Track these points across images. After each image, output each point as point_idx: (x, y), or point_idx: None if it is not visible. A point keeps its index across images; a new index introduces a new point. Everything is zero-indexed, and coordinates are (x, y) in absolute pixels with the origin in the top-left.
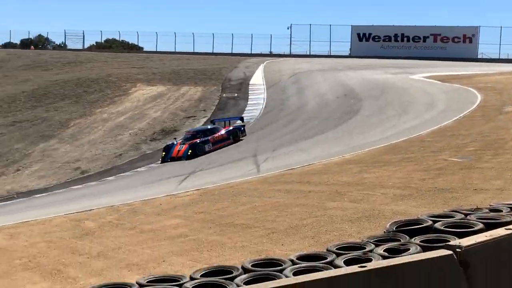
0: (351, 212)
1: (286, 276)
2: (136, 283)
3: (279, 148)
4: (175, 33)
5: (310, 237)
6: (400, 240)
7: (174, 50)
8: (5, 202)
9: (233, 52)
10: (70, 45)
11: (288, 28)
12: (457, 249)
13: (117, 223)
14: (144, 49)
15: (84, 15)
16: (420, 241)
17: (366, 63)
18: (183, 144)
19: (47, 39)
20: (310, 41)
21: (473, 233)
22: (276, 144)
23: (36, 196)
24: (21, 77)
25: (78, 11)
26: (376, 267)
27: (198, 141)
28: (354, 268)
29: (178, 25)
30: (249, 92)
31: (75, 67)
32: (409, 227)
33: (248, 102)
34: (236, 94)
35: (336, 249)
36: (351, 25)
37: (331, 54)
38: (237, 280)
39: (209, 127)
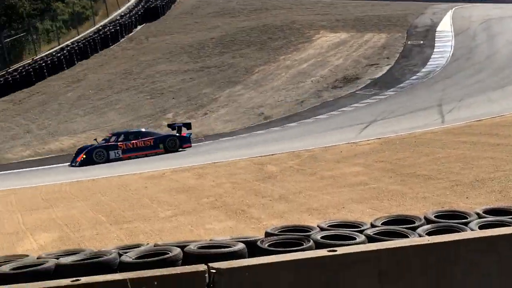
0: None
1: (471, 229)
2: (318, 226)
3: (466, 98)
4: None
5: (497, 191)
6: None
7: None
8: (194, 144)
9: None
10: None
11: None
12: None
13: (298, 168)
14: None
15: None
16: None
17: None
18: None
19: None
20: None
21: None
22: (462, 93)
23: (222, 139)
24: (210, 24)
25: None
26: None
27: (96, 146)
28: None
29: None
30: (436, 39)
31: (261, 14)
32: None
33: (434, 50)
34: (421, 41)
35: None
36: None
37: None
38: (419, 230)
39: (134, 130)
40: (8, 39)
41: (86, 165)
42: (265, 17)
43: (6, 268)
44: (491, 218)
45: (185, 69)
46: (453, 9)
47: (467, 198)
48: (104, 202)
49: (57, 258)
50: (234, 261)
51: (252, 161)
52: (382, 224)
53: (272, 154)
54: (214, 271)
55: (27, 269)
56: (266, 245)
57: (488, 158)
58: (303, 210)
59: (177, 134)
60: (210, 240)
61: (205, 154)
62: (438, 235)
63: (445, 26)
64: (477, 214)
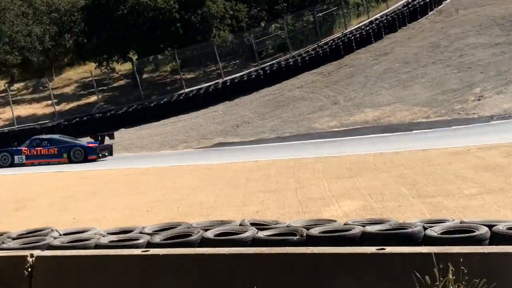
0: None
1: None
2: None
3: None
4: None
5: None
6: None
7: None
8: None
9: None
10: None
11: None
12: None
13: None
14: None
15: None
16: None
17: None
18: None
19: None
20: None
21: None
22: None
23: None
24: None
25: None
26: None
27: (1, 150)
28: None
29: None
30: None
31: None
32: None
33: None
34: None
35: None
36: None
37: None
38: None
39: (49, 136)
40: (320, 14)
41: None
42: None
43: (315, 232)
44: None
45: (496, 42)
46: None
47: None
48: (407, 175)
49: (363, 226)
50: None
51: None
52: None
53: None
54: None
55: (335, 234)
56: None
57: None
58: None
59: (86, 145)
60: None
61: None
62: None
63: None
64: None
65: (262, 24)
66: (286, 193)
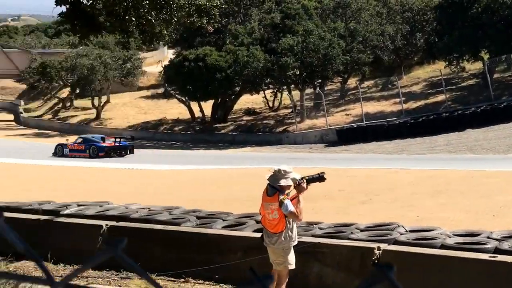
0: None
1: None
2: None
3: None
4: None
5: None
6: None
7: None
8: None
9: None
10: None
11: None
12: None
13: None
14: None
15: None
16: None
17: None
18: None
19: None
20: None
21: None
22: None
23: None
24: None
25: None
26: None
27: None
28: None
29: None
30: None
31: None
32: None
33: None
34: None
35: None
36: None
37: None
38: None
39: (84, 136)
40: None
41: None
42: None
43: None
44: None
45: None
46: None
47: None
48: None
49: None
50: None
51: None
52: None
53: None
54: None
55: None
56: None
57: None
58: None
59: (99, 144)
60: None
61: None
62: None
63: None
64: None
65: None
66: None
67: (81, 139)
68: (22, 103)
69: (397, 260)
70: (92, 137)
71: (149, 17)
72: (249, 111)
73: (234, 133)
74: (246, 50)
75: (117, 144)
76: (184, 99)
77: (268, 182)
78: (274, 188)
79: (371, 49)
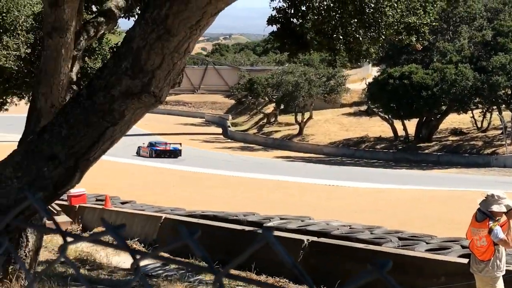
0: None
1: None
2: None
3: None
4: None
5: None
6: None
7: None
8: None
9: None
10: None
11: None
12: None
13: None
14: None
15: None
16: None
17: None
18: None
19: None
20: None
21: None
22: None
23: None
24: None
25: None
26: None
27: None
28: None
29: None
30: None
31: None
32: None
33: None
34: None
35: None
36: None
37: None
38: None
39: (150, 141)
40: None
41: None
42: None
43: None
44: None
45: None
46: None
47: None
48: None
49: None
50: None
51: None
52: None
53: None
54: None
55: None
56: None
57: None
58: None
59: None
60: None
61: None
62: None
63: None
64: None
65: None
66: None
67: (148, 143)
68: (230, 117)
69: None
70: (155, 142)
71: (357, 35)
72: (455, 131)
73: (439, 153)
74: (455, 68)
75: (168, 148)
76: (387, 117)
77: (479, 206)
78: (484, 214)
79: None
